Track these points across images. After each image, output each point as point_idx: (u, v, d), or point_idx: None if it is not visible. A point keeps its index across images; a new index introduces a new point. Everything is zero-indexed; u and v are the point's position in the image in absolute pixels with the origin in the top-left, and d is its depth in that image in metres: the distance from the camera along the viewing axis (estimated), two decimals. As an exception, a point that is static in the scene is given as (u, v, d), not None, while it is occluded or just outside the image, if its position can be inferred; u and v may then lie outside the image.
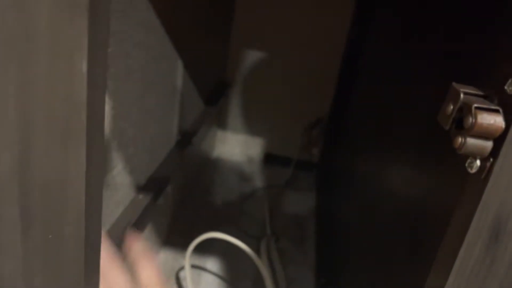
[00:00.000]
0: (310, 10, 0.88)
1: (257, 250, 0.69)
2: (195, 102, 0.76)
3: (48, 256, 0.25)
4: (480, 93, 0.20)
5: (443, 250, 0.22)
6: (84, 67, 0.20)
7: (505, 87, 0.19)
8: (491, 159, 0.20)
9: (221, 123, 0.99)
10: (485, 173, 0.20)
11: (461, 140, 0.19)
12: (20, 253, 0.25)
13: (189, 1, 0.61)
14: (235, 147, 1.01)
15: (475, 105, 0.19)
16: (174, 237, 0.72)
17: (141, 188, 0.56)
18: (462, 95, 0.20)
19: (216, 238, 0.60)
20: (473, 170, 0.20)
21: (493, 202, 0.20)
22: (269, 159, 1.00)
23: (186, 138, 0.70)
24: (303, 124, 0.98)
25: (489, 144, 0.19)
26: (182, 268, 0.67)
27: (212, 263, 0.69)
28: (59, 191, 0.23)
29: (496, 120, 0.19)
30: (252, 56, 0.94)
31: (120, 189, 0.50)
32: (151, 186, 0.57)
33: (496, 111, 0.19)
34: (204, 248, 0.69)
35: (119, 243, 0.45)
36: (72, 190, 0.23)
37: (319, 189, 0.92)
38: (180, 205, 0.77)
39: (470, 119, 0.19)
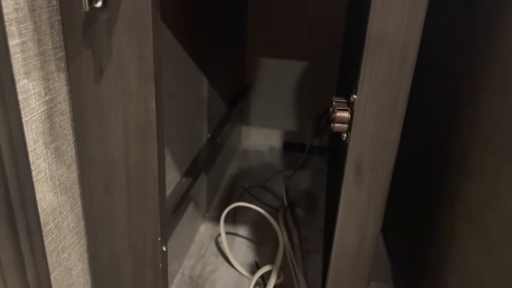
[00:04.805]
0: (310, 19, 1.11)
1: (276, 218, 0.93)
2: (219, 106, 1.01)
3: (140, 202, 0.50)
4: (344, 100, 0.43)
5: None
6: (153, 104, 0.44)
7: (350, 98, 0.42)
8: (349, 133, 0.42)
9: (245, 121, 1.24)
10: (348, 139, 0.43)
11: (332, 125, 0.42)
12: (125, 200, 0.50)
13: (208, 29, 0.85)
14: (258, 139, 1.25)
15: (336, 107, 0.42)
16: (212, 212, 0.97)
17: (183, 174, 0.81)
18: (334, 102, 0.43)
19: (242, 206, 0.84)
20: (344, 139, 0.43)
21: (353, 153, 0.43)
22: (287, 146, 1.24)
23: (214, 136, 0.94)
24: (314, 115, 1.21)
25: (345, 126, 0.42)
26: (219, 234, 0.91)
27: (242, 230, 0.93)
28: (143, 167, 0.48)
29: (344, 114, 0.41)
30: (266, 60, 1.18)
31: (169, 174, 0.75)
32: (190, 172, 0.82)
33: (347, 110, 0.42)
34: (236, 220, 0.94)
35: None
36: (151, 168, 0.48)
37: (330, 169, 1.14)
38: (215, 188, 1.02)
39: (334, 114, 0.42)
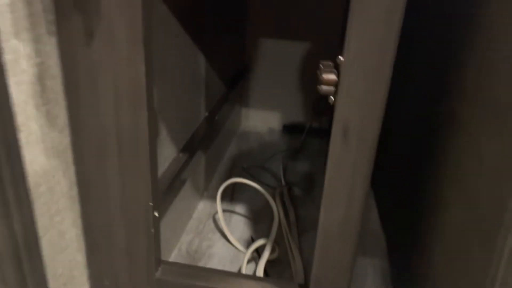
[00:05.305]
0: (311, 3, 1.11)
1: (273, 196, 0.94)
2: (218, 86, 1.01)
3: (132, 167, 0.50)
4: (331, 63, 0.43)
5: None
6: (143, 68, 0.45)
7: (337, 60, 0.42)
8: (336, 96, 0.43)
9: (245, 102, 1.24)
10: (332, 101, 0.43)
11: (320, 87, 0.43)
12: (117, 166, 0.50)
13: (208, 8, 0.85)
14: (257, 121, 1.26)
15: (322, 69, 0.42)
16: (210, 191, 0.98)
17: (180, 150, 0.81)
18: (320, 65, 0.43)
19: (240, 184, 0.85)
20: (331, 103, 0.43)
21: (340, 115, 0.43)
22: (287, 128, 1.24)
23: (211, 114, 0.95)
24: (313, 97, 1.21)
25: (332, 88, 0.42)
26: (216, 212, 0.92)
27: (240, 208, 0.94)
28: (134, 133, 0.48)
29: (330, 76, 0.42)
30: (267, 42, 1.18)
31: (166, 149, 0.75)
32: (187, 148, 0.82)
33: (334, 72, 0.42)
34: (234, 198, 0.95)
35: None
36: (141, 134, 0.48)
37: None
38: (214, 167, 1.02)
39: (320, 76, 0.42)
